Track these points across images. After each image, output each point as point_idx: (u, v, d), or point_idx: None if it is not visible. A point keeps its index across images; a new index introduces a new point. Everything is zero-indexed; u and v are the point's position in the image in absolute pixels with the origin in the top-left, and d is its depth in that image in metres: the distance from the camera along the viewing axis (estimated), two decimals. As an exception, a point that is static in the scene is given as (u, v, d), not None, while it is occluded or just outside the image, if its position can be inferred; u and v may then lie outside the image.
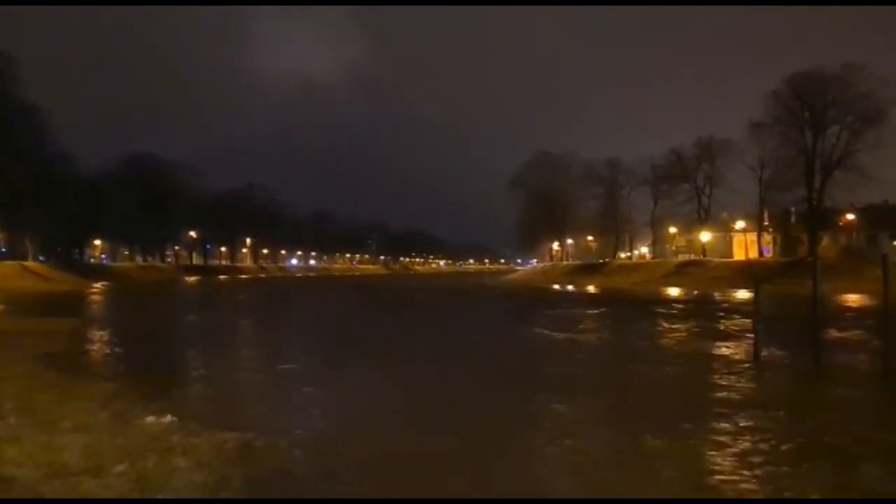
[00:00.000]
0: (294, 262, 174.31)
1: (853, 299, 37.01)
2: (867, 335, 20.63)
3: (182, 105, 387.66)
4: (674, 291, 55.33)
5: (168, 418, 9.84)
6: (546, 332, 24.32)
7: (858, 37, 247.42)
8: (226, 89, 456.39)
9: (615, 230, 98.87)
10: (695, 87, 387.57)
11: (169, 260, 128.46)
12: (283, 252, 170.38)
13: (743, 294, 43.85)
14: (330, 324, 31.42)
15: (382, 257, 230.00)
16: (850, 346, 18.71)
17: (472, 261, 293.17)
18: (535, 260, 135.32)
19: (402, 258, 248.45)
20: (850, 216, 72.79)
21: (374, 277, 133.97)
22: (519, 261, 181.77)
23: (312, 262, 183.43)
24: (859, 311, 30.45)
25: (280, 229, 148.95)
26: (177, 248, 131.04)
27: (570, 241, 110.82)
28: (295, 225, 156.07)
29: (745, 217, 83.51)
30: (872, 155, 63.51)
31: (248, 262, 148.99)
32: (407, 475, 7.89)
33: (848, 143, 65.70)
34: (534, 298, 51.00)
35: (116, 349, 20.02)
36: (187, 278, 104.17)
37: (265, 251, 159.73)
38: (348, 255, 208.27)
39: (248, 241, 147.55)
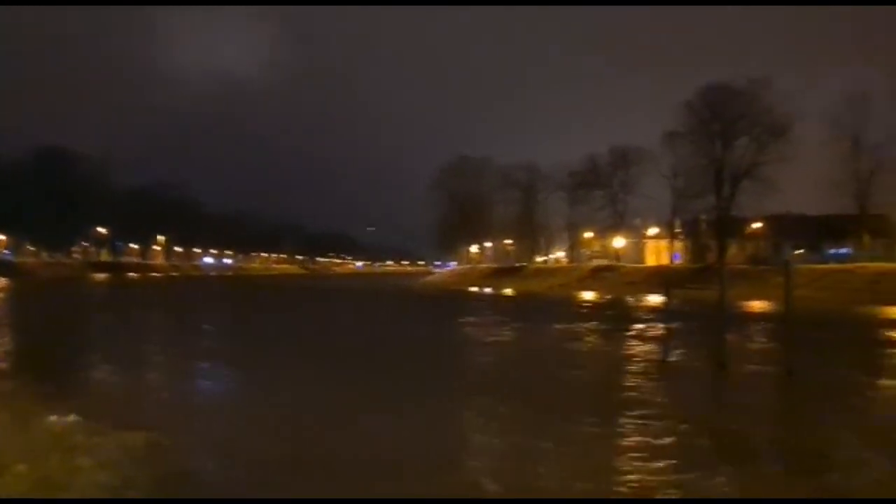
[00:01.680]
0: (209, 260, 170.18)
1: (758, 305, 38.35)
2: (769, 339, 21.45)
3: (95, 98, 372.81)
4: (589, 295, 56.27)
5: (72, 417, 9.53)
6: (465, 333, 24.46)
7: (779, 46, 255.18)
8: (142, 83, 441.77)
9: (532, 234, 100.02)
10: (614, 94, 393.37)
11: (76, 256, 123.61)
12: (197, 251, 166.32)
13: (654, 298, 44.88)
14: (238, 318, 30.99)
15: (300, 257, 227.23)
16: (753, 350, 19.43)
17: (390, 262, 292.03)
18: (453, 262, 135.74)
19: (319, 258, 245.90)
20: (757, 225, 75.31)
21: (291, 278, 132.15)
22: (437, 263, 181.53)
23: (228, 261, 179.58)
24: (762, 316, 31.66)
25: (194, 227, 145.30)
26: (85, 244, 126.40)
27: (488, 244, 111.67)
28: (210, 223, 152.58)
29: (658, 224, 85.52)
30: (776, 168, 66.20)
31: (161, 261, 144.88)
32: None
33: (755, 155, 68.26)
34: (451, 301, 51.19)
35: (17, 347, 19.28)
36: (95, 276, 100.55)
37: (179, 249, 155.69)
38: (265, 255, 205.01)
39: (161, 238, 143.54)
